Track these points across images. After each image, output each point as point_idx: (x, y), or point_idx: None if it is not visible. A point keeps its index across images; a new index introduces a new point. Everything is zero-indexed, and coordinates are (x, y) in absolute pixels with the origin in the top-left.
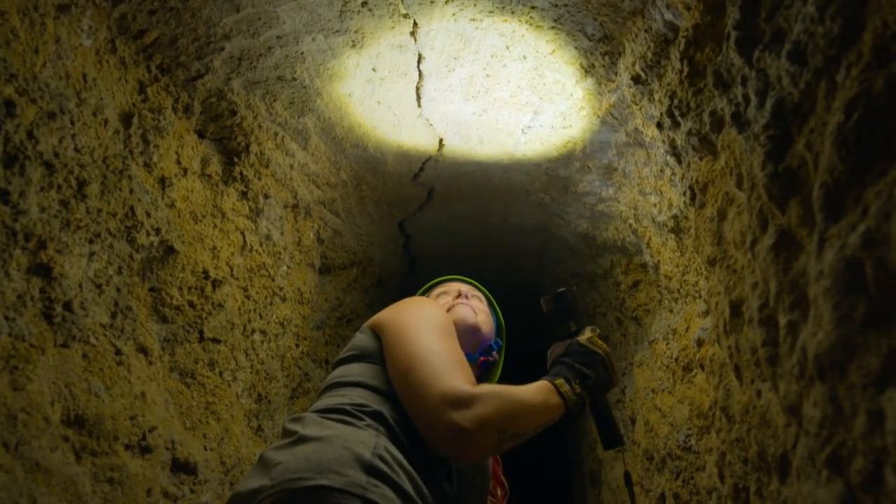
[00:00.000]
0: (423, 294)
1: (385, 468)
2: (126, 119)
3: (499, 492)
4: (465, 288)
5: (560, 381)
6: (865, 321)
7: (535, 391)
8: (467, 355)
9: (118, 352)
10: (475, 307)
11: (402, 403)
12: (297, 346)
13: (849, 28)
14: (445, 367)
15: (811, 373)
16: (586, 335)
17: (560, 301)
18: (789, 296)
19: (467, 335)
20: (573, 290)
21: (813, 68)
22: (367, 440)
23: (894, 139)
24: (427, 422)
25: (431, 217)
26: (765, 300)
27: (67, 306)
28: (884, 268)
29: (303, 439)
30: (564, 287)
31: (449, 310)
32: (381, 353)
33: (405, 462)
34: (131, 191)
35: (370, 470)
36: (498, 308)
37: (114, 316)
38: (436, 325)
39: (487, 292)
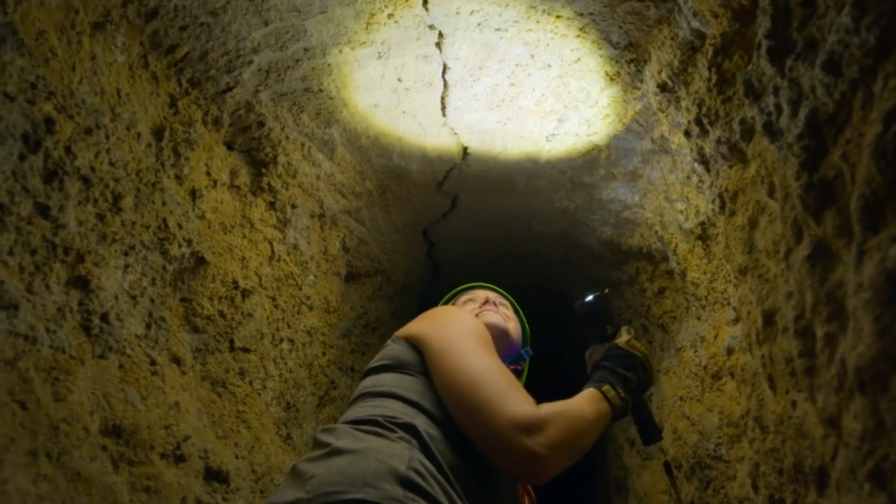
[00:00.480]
0: (447, 301)
1: (420, 481)
2: (158, 132)
3: (526, 500)
4: (491, 295)
5: (606, 387)
6: None
7: (587, 402)
8: None
9: (153, 362)
10: (504, 314)
11: (460, 424)
12: (323, 354)
13: (886, 39)
14: (506, 389)
15: (851, 385)
16: (624, 338)
17: (595, 305)
18: (826, 307)
19: (497, 341)
20: (606, 293)
21: (848, 79)
22: (401, 453)
23: None
24: (498, 447)
25: (455, 225)
26: (800, 311)
27: (104, 318)
28: None
29: (336, 451)
30: (598, 291)
31: (476, 315)
32: (419, 365)
33: (439, 475)
34: (163, 203)
35: (406, 483)
36: (523, 316)
37: (148, 327)
38: (479, 339)
39: (513, 300)
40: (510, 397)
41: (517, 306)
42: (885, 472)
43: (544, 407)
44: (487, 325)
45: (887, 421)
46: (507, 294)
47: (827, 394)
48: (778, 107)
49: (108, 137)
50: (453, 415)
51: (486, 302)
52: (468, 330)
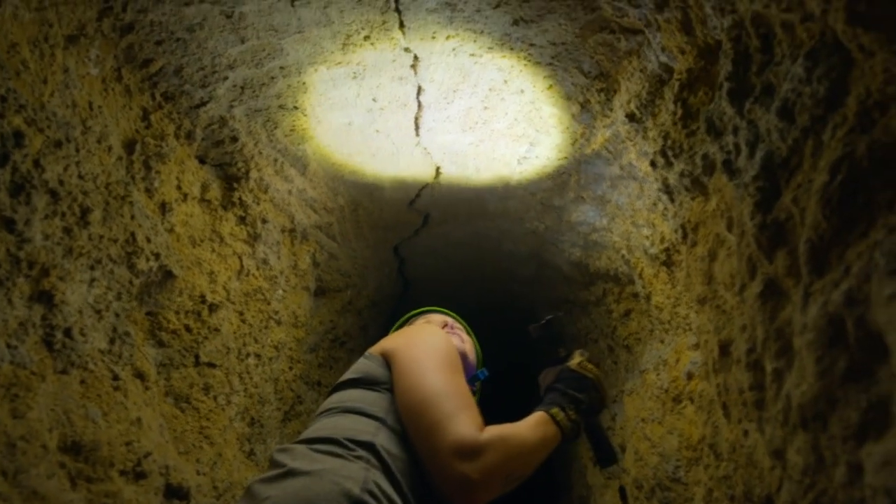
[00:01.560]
0: (403, 324)
1: (374, 503)
2: (129, 146)
3: None
4: (448, 319)
5: (555, 409)
6: (846, 376)
7: (533, 426)
8: None
9: (115, 377)
10: (461, 337)
11: (412, 440)
12: (290, 369)
13: (834, 91)
14: (454, 410)
15: (795, 421)
16: (576, 360)
17: (548, 328)
18: (775, 343)
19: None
20: (560, 316)
21: (800, 126)
22: (357, 474)
23: (875, 203)
24: (436, 468)
25: (427, 242)
26: (752, 345)
27: (68, 333)
28: (864, 326)
29: (291, 473)
30: (551, 314)
31: None
32: (388, 381)
33: (395, 496)
34: (132, 216)
35: None
36: (476, 340)
37: (112, 342)
38: (446, 358)
39: (467, 325)
40: (456, 419)
41: (471, 331)
42: None
43: (488, 431)
44: None
45: (826, 457)
46: (460, 319)
47: (774, 427)
48: (737, 146)
49: (78, 150)
50: (407, 431)
51: (445, 326)
52: (436, 347)
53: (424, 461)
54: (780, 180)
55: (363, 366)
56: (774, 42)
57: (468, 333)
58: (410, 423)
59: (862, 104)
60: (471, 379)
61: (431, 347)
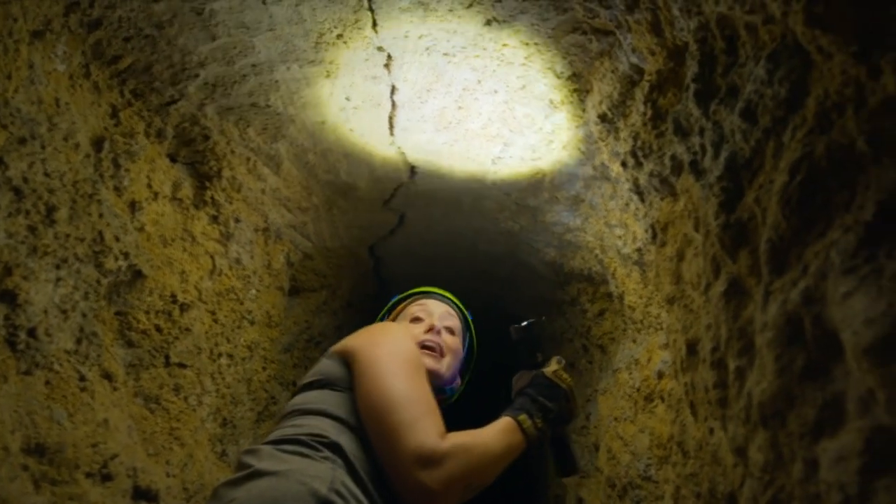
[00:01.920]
0: (398, 303)
1: (341, 502)
2: (97, 143)
3: None
4: (440, 310)
5: (523, 416)
6: (803, 374)
7: (498, 434)
8: None
9: (82, 378)
10: (444, 345)
11: (373, 445)
12: (264, 369)
13: (795, 92)
14: (416, 417)
15: (755, 419)
16: (552, 367)
17: (529, 331)
18: (738, 342)
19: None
20: (542, 320)
21: (762, 127)
22: (324, 474)
23: (832, 203)
24: (397, 476)
25: (402, 242)
26: (716, 343)
27: (32, 333)
28: (821, 324)
29: (258, 474)
30: (534, 317)
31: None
32: (349, 382)
33: (362, 495)
34: (101, 215)
35: None
36: (472, 326)
37: (79, 342)
38: (408, 361)
39: (464, 309)
40: (417, 426)
41: (467, 315)
42: (781, 501)
43: (450, 439)
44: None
45: (785, 454)
46: (459, 304)
47: (736, 425)
48: (703, 147)
49: (43, 147)
50: (369, 435)
51: (431, 329)
52: (398, 350)
53: (385, 468)
54: (743, 181)
55: (324, 366)
56: (739, 44)
57: (463, 322)
58: (371, 429)
59: (821, 105)
60: (439, 390)
61: (391, 350)
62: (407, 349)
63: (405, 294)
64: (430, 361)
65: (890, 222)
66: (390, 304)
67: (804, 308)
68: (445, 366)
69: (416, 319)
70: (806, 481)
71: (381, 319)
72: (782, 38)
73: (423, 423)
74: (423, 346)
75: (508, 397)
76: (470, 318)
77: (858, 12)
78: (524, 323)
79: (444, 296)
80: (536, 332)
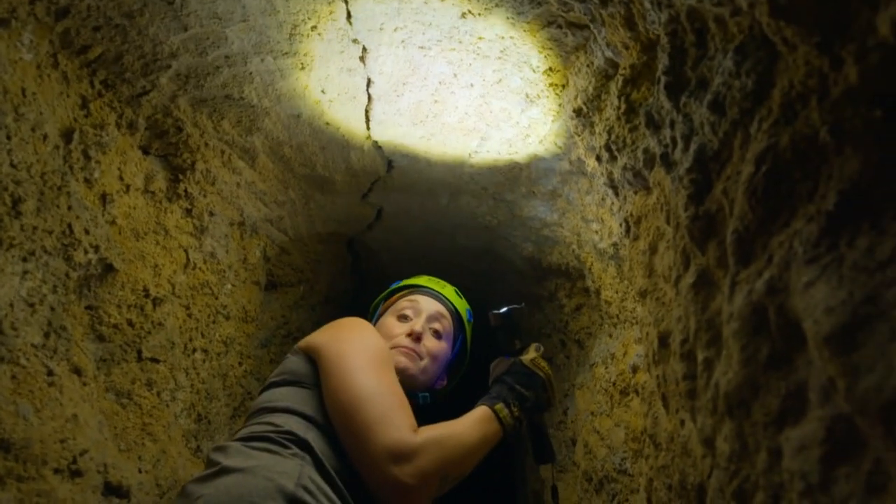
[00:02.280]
0: (391, 294)
1: (309, 499)
2: (67, 135)
3: None
4: (430, 310)
5: (500, 405)
6: (768, 363)
7: (473, 425)
8: None
9: (50, 373)
10: (424, 350)
11: (343, 443)
12: (240, 364)
13: (761, 84)
14: (387, 412)
15: (722, 409)
16: (530, 355)
17: (509, 317)
18: (706, 333)
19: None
20: (522, 306)
21: (730, 119)
22: (292, 470)
23: (796, 193)
24: (369, 472)
25: (380, 236)
26: (686, 335)
27: None
28: (784, 314)
29: (225, 470)
30: (514, 304)
31: (394, 347)
32: (314, 378)
33: (330, 491)
34: (69, 207)
35: (293, 501)
36: (467, 325)
37: (47, 336)
38: (374, 356)
39: (460, 307)
40: (388, 421)
41: (462, 315)
42: (746, 491)
43: (422, 433)
44: (396, 366)
45: (750, 444)
46: (455, 302)
47: (704, 416)
48: (673, 140)
49: (9, 138)
50: (337, 433)
51: (411, 334)
52: (364, 346)
53: (357, 465)
54: (711, 173)
55: (290, 363)
56: (708, 36)
57: (455, 319)
58: (339, 427)
59: (786, 96)
60: (415, 393)
61: (356, 346)
62: (372, 344)
63: (404, 283)
64: (403, 360)
65: (851, 212)
66: (389, 290)
67: (768, 298)
68: (421, 368)
69: (402, 317)
70: (770, 471)
71: (378, 305)
72: (749, 30)
73: (392, 419)
74: (394, 347)
75: (485, 391)
76: (468, 317)
77: (820, 3)
78: (504, 309)
79: (439, 293)
80: (516, 318)
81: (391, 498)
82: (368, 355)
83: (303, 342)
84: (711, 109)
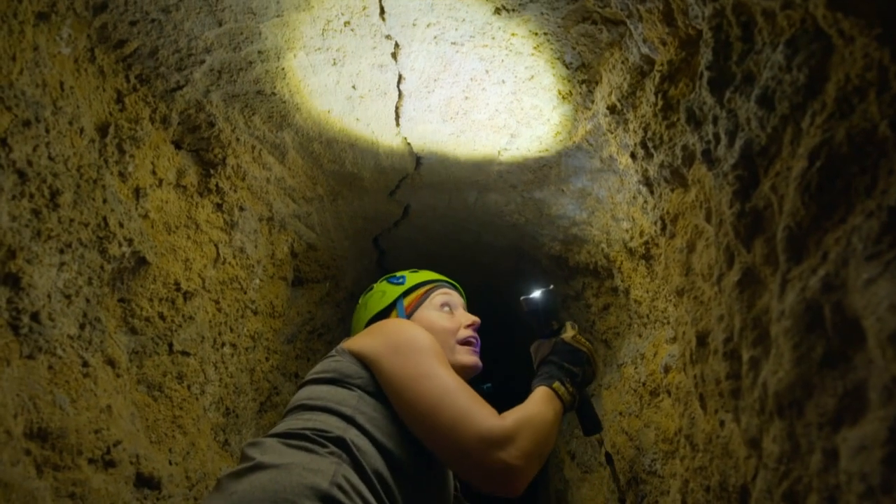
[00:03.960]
0: (414, 287)
1: (343, 498)
2: (102, 128)
3: None
4: (462, 302)
5: (556, 384)
6: (823, 362)
7: (544, 404)
8: None
9: (85, 364)
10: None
11: (429, 447)
12: (267, 359)
13: (814, 78)
14: (468, 406)
15: (771, 409)
16: (570, 333)
17: (541, 301)
18: (752, 332)
19: (464, 375)
20: (552, 289)
21: (780, 114)
22: (327, 468)
23: (853, 188)
24: (470, 465)
25: (406, 234)
26: (729, 334)
27: (35, 317)
28: (841, 312)
29: (260, 466)
30: (545, 287)
31: (460, 342)
32: (360, 380)
33: (366, 491)
34: (104, 201)
35: (327, 500)
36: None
37: (82, 327)
38: (436, 356)
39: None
40: (474, 413)
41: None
42: (798, 493)
43: (509, 417)
44: (466, 366)
45: (802, 445)
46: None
47: (750, 416)
48: (716, 136)
49: (48, 131)
50: (420, 438)
51: (472, 325)
52: (420, 348)
53: (454, 465)
54: (758, 168)
55: (336, 363)
56: (755, 30)
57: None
58: (427, 432)
59: (841, 90)
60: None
61: (417, 349)
62: (426, 343)
63: (426, 279)
64: (473, 358)
65: None
66: (405, 287)
67: (824, 295)
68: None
69: (445, 309)
70: (825, 472)
71: (398, 302)
72: (802, 23)
73: (477, 409)
74: (465, 343)
75: (512, 387)
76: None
77: None
78: (535, 294)
79: (457, 286)
80: (548, 301)
81: (499, 483)
82: (431, 356)
83: (351, 345)
84: (759, 104)
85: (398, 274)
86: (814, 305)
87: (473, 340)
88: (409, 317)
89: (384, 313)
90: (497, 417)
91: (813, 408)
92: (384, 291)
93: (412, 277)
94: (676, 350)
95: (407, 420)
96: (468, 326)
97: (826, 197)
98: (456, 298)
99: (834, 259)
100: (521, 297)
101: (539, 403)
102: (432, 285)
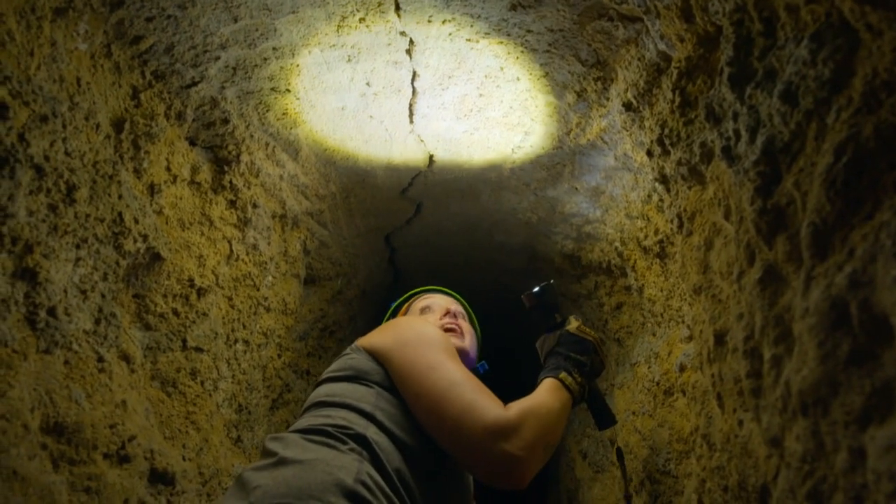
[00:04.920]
0: (402, 303)
1: (367, 495)
2: (118, 124)
3: None
4: (445, 301)
5: (563, 374)
6: (849, 360)
7: (550, 394)
8: None
9: (100, 359)
10: (462, 328)
11: (435, 439)
12: (279, 356)
13: (840, 73)
14: (473, 397)
15: (794, 407)
16: (574, 324)
17: (542, 295)
18: (774, 330)
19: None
20: (552, 283)
21: (804, 109)
22: (350, 465)
23: (881, 184)
24: (475, 456)
25: (418, 232)
26: (750, 332)
27: (52, 312)
28: (869, 309)
29: (283, 461)
30: (544, 282)
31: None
32: (377, 376)
33: (387, 488)
34: (120, 196)
35: (352, 496)
36: (477, 324)
37: (97, 322)
38: (443, 348)
39: (469, 307)
40: (479, 404)
41: (472, 314)
42: (822, 493)
43: (513, 408)
44: None
45: (827, 443)
46: (463, 301)
47: (771, 415)
48: (737, 132)
49: (65, 126)
50: (427, 430)
51: (447, 314)
52: (429, 342)
53: (458, 454)
54: (781, 165)
55: (352, 360)
56: (777, 25)
57: (470, 320)
58: (433, 424)
59: (868, 84)
60: (475, 368)
61: (423, 344)
62: (434, 337)
63: (406, 296)
64: (456, 340)
65: None
66: (402, 298)
67: (850, 292)
68: (469, 344)
69: (425, 310)
70: (851, 471)
71: (392, 314)
72: (827, 17)
73: (482, 400)
74: (445, 330)
75: (518, 384)
76: (472, 312)
77: None
78: (536, 289)
79: (447, 293)
80: (549, 295)
81: (504, 475)
82: (435, 350)
83: (365, 342)
84: (782, 100)
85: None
86: (840, 302)
87: (452, 327)
88: None
89: None
90: (501, 408)
91: (839, 406)
92: (390, 310)
93: (409, 292)
94: (692, 349)
95: (417, 414)
96: (443, 316)
97: (852, 193)
98: (439, 300)
99: (861, 256)
100: (522, 295)
101: (545, 394)
102: (417, 296)
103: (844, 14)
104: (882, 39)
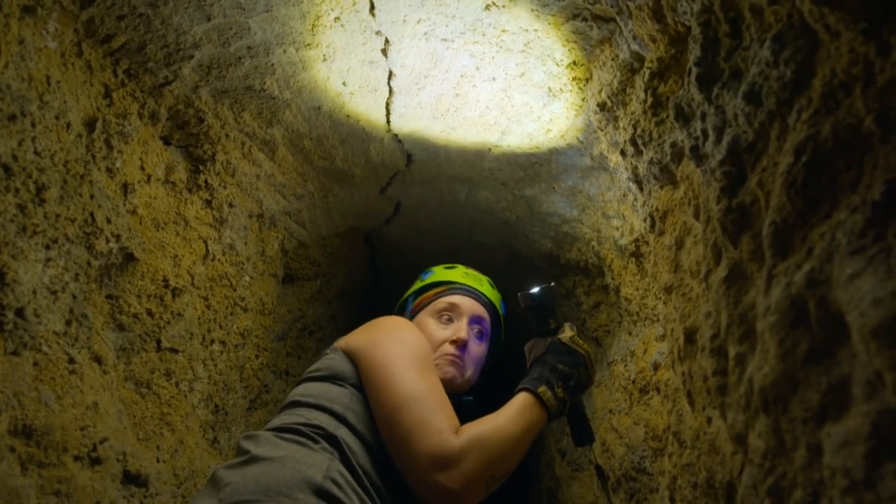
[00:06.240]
0: (429, 286)
1: (337, 491)
2: (90, 123)
3: None
4: (472, 311)
5: (542, 387)
6: (808, 358)
7: (516, 415)
8: None
9: (71, 360)
10: (469, 360)
11: (389, 451)
12: (257, 357)
13: (800, 73)
14: (427, 416)
15: (756, 404)
16: (567, 334)
17: (540, 298)
18: (739, 328)
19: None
20: (553, 286)
21: (767, 109)
22: (320, 463)
23: (838, 184)
24: (415, 481)
25: (397, 231)
26: (716, 330)
27: (20, 313)
28: (826, 307)
29: (254, 459)
30: (545, 283)
31: (441, 357)
32: (352, 378)
33: (357, 486)
34: (92, 196)
35: (321, 493)
36: (501, 316)
37: (68, 323)
38: (415, 357)
39: (498, 305)
40: (427, 427)
41: (501, 315)
42: (783, 489)
43: (464, 433)
44: (441, 377)
45: (787, 440)
46: (492, 290)
47: (736, 412)
48: (704, 132)
49: (34, 125)
50: (383, 440)
51: (457, 341)
52: (403, 348)
53: (403, 474)
54: (745, 164)
55: (330, 361)
56: (743, 26)
57: (492, 315)
58: (385, 434)
59: (827, 85)
60: (460, 396)
61: (398, 347)
62: (413, 344)
63: (440, 279)
64: (450, 369)
65: None
66: (423, 282)
67: (809, 290)
68: (466, 378)
69: (443, 318)
70: (809, 467)
71: (408, 299)
72: (788, 19)
73: (431, 422)
74: (445, 357)
75: (508, 389)
76: (502, 310)
77: None
78: (534, 289)
79: (478, 291)
80: (548, 299)
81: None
82: (409, 357)
83: (342, 341)
84: (746, 100)
85: (432, 268)
86: (799, 301)
87: (453, 359)
88: (412, 316)
89: (402, 305)
90: (449, 434)
91: (797, 403)
92: (415, 281)
93: (437, 274)
94: (665, 347)
95: (376, 419)
96: (452, 342)
97: (811, 192)
98: (467, 306)
99: (819, 254)
100: (519, 293)
101: (510, 415)
102: (446, 287)
103: (804, 15)
104: (840, 41)
